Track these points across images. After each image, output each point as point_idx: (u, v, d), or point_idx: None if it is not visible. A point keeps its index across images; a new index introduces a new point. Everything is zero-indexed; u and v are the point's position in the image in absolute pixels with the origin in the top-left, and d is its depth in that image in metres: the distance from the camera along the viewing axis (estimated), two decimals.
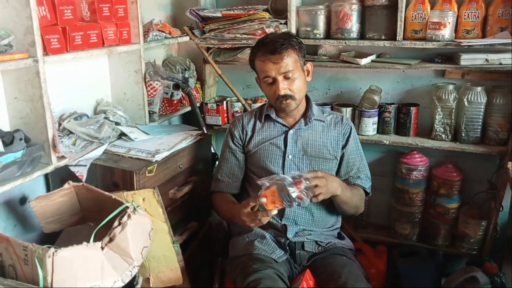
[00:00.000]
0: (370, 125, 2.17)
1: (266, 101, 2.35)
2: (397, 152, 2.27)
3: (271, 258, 1.50)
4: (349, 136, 1.66)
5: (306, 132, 1.64)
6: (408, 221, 2.22)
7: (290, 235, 1.57)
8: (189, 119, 2.40)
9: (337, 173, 1.66)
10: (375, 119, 2.17)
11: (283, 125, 1.66)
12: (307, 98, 1.67)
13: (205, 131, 2.13)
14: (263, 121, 1.68)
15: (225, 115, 2.41)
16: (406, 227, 2.23)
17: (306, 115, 1.65)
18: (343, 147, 1.66)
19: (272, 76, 1.52)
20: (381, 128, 2.20)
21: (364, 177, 1.67)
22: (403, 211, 2.22)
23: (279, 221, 1.58)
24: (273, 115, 1.65)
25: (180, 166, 1.75)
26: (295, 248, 1.56)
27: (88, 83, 1.84)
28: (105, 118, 1.76)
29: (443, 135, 2.09)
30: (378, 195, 2.33)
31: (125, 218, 1.33)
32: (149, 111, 1.98)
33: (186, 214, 1.85)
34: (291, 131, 1.64)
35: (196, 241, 1.90)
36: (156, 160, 1.61)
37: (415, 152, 2.17)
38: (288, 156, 1.62)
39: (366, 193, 1.68)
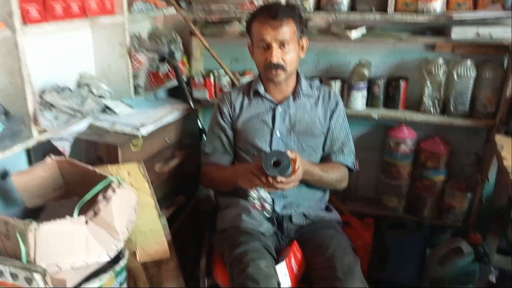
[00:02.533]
0: (359, 99, 2.15)
1: (254, 75, 2.33)
2: (385, 126, 2.26)
3: (258, 232, 1.50)
4: (334, 111, 1.65)
5: (295, 108, 1.62)
6: (395, 194, 2.24)
7: (277, 208, 1.56)
8: (176, 93, 2.36)
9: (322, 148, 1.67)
10: (364, 92, 2.15)
11: (271, 101, 1.63)
12: (297, 73, 1.64)
13: (192, 106, 2.10)
14: (251, 98, 1.65)
15: (213, 89, 2.37)
16: (393, 199, 2.25)
17: (295, 91, 1.63)
18: (329, 121, 1.65)
19: (267, 41, 1.49)
20: (370, 102, 2.18)
21: (348, 152, 1.66)
22: (390, 184, 2.23)
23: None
24: (262, 91, 1.63)
25: (167, 140, 1.73)
26: (283, 221, 1.56)
27: (71, 56, 1.79)
28: (89, 91, 1.72)
29: (432, 109, 2.08)
30: (367, 169, 2.34)
31: (109, 192, 1.31)
32: (134, 84, 1.94)
33: (173, 188, 1.84)
34: (279, 108, 1.62)
35: (183, 215, 1.90)
36: (141, 134, 1.58)
37: (404, 125, 2.17)
38: (276, 133, 1.60)
39: (351, 169, 1.67)
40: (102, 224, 1.30)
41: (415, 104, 2.15)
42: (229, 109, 1.67)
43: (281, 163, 1.35)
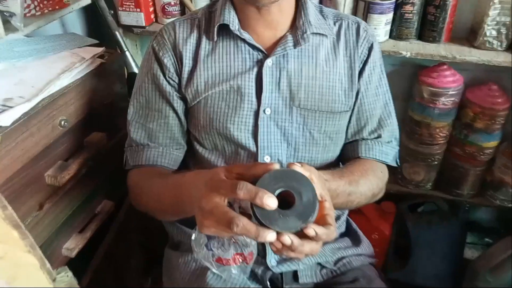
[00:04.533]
0: (381, 26, 1.40)
1: None
2: (416, 65, 1.54)
3: None
4: (365, 62, 0.91)
5: (298, 60, 0.86)
6: (423, 164, 1.60)
7: (272, 261, 0.88)
8: (92, 21, 1.52)
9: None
10: (390, 16, 1.39)
11: (254, 47, 0.86)
12: None
13: (123, 44, 1.29)
14: (215, 38, 0.87)
15: (151, 9, 1.52)
16: (419, 171, 1.62)
17: (296, 26, 0.85)
18: (358, 81, 0.91)
19: None
20: (398, 30, 1.43)
21: (388, 136, 0.96)
22: (417, 151, 1.58)
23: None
24: (235, 27, 0.84)
25: (63, 123, 0.96)
26: (283, 282, 0.89)
27: None
28: None
29: (495, 42, 1.36)
30: None
31: None
32: (3, 12, 1.08)
33: (90, 194, 1.10)
34: (269, 61, 0.85)
35: (114, 229, 1.20)
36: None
37: (445, 66, 1.46)
38: (264, 111, 0.86)
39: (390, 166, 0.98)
40: None
41: (467, 34, 1.43)
42: (173, 58, 0.89)
43: (295, 200, 0.60)
